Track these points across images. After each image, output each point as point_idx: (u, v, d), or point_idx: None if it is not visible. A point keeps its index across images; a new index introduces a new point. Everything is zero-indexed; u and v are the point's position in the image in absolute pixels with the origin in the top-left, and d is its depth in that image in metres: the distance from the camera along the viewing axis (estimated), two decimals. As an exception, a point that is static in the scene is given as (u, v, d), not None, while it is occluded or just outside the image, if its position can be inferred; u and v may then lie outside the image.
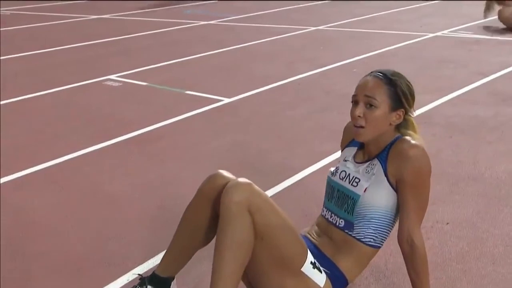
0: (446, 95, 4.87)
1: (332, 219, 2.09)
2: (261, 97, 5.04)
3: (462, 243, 2.57)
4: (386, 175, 1.98)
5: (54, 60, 6.95)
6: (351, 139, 2.19)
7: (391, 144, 2.02)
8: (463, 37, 7.51)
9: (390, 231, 2.05)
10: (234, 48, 7.27)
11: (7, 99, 5.16)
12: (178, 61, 6.58)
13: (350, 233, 2.03)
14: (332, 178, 2.15)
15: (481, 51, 6.66)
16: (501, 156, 3.57)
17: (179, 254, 2.09)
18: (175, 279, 2.13)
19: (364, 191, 1.99)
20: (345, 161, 2.14)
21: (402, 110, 2.02)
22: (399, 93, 2.00)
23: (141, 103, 4.98)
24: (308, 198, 3.04)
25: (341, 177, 2.10)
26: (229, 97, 5.00)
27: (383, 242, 2.05)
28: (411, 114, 2.07)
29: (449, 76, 5.55)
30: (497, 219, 2.78)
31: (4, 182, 3.36)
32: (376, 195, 1.98)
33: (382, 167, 1.99)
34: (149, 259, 2.50)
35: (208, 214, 2.00)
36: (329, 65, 6.13)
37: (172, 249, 2.09)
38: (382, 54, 6.68)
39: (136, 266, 2.44)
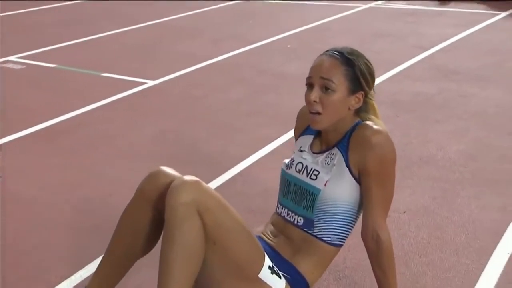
0: (388, 71, 4.92)
1: (290, 217, 2.01)
2: (188, 79, 4.91)
3: (422, 233, 2.58)
4: (348, 165, 1.91)
5: None
6: (306, 127, 2.11)
7: (351, 131, 1.95)
8: (398, 8, 7.65)
9: (353, 227, 2.00)
10: (149, 25, 7.07)
11: None
12: (88, 40, 6.31)
13: (310, 231, 1.96)
14: (287, 171, 2.06)
15: (419, 23, 6.79)
16: (451, 135, 3.63)
17: (116, 265, 1.96)
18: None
19: (325, 184, 1.92)
20: (301, 151, 2.06)
21: (362, 92, 1.94)
22: (358, 74, 1.92)
23: (50, 89, 4.73)
24: (252, 192, 2.97)
25: (297, 170, 2.02)
26: (153, 79, 4.85)
27: (345, 239, 1.99)
28: (371, 97, 2.01)
29: (388, 50, 5.62)
30: (455, 204, 2.82)
31: None
32: (338, 188, 1.92)
33: (343, 157, 1.92)
34: (76, 271, 2.34)
35: (149, 218, 1.90)
36: (260, 41, 6.07)
37: (108, 260, 1.97)
38: (316, 28, 6.69)
39: (62, 281, 2.29)
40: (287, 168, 2.07)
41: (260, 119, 3.96)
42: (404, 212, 2.73)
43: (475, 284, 2.23)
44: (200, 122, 3.95)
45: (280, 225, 2.05)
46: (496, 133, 3.66)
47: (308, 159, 2.01)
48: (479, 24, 6.56)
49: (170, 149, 3.52)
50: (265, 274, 1.84)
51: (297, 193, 2.00)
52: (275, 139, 3.59)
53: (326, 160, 1.96)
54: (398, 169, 2.47)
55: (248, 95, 4.47)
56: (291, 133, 3.67)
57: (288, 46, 5.92)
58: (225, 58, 5.49)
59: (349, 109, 1.94)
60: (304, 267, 1.96)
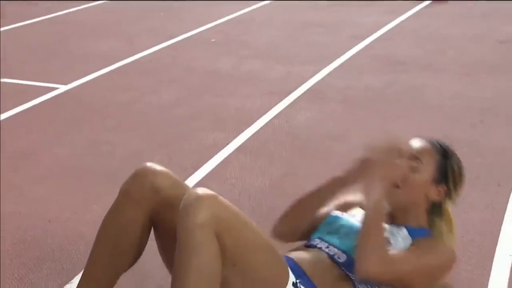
0: (328, 64, 4.98)
1: (329, 250, 2.00)
2: (108, 82, 4.75)
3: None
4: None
5: None
6: None
7: (417, 232, 1.97)
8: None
9: None
10: (45, 19, 6.80)
11: None
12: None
13: (347, 272, 1.94)
14: (342, 216, 2.08)
15: (349, 12, 6.92)
16: (415, 131, 3.63)
17: (99, 281, 1.90)
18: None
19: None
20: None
21: (445, 187, 1.98)
22: (448, 168, 1.99)
23: None
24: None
25: (352, 217, 2.06)
26: (65, 83, 4.64)
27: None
28: (451, 201, 2.02)
29: (323, 42, 5.69)
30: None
31: None
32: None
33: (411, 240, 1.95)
34: None
35: (136, 222, 1.87)
36: (179, 35, 5.97)
37: (89, 276, 1.91)
38: (237, 20, 6.68)
39: None
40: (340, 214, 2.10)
41: (204, 123, 3.88)
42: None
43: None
44: (135, 130, 3.81)
45: (314, 254, 2.01)
46: (461, 126, 3.77)
47: None
48: (409, 11, 6.79)
49: (106, 163, 3.37)
50: None
51: (348, 234, 1.99)
52: (226, 144, 3.53)
53: (391, 229, 1.97)
54: None
55: (183, 97, 4.38)
56: (242, 138, 3.65)
57: (213, 40, 5.86)
58: (144, 56, 5.35)
59: (426, 197, 1.97)
60: None
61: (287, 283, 1.82)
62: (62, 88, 4.55)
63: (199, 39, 5.93)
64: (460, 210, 2.76)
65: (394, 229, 1.98)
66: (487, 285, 2.30)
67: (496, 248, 2.50)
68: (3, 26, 6.37)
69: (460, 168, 2.03)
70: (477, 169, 3.20)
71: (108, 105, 4.25)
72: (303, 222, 2.11)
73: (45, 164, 3.37)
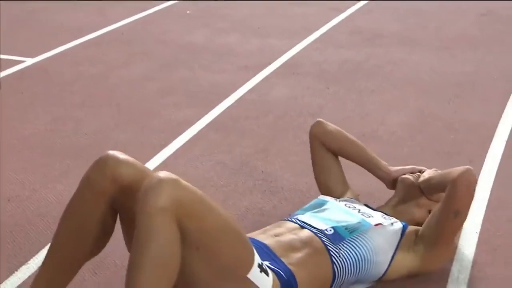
0: (306, 37, 5.01)
1: (315, 224, 2.15)
2: (77, 54, 4.74)
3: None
4: (400, 239, 2.20)
5: None
6: None
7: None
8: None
9: (357, 280, 2.15)
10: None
11: None
12: None
13: (329, 245, 2.08)
14: (331, 200, 2.33)
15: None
16: (390, 106, 3.76)
17: (61, 269, 1.93)
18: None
19: (376, 225, 2.15)
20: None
21: None
22: None
23: None
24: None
25: (345, 205, 2.29)
26: (31, 56, 4.63)
27: (338, 282, 2.11)
28: None
29: (301, 14, 5.70)
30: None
31: None
32: (382, 238, 2.15)
33: (402, 232, 2.20)
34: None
35: (99, 211, 1.87)
36: (153, 7, 5.94)
37: (51, 263, 1.93)
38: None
39: None
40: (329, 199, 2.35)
41: (175, 98, 3.91)
42: (358, 195, 2.78)
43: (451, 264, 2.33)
44: (103, 106, 3.82)
45: (291, 227, 2.18)
46: (436, 101, 3.83)
47: (364, 209, 2.31)
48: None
49: (72, 140, 3.38)
50: (255, 273, 1.87)
51: (338, 215, 2.23)
52: (196, 122, 3.56)
53: (384, 216, 2.25)
54: None
55: (154, 71, 4.39)
56: (213, 113, 3.69)
57: (188, 12, 5.85)
58: (116, 28, 5.34)
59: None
60: (300, 274, 2.02)
61: (252, 266, 1.85)
62: (29, 61, 4.54)
63: (174, 10, 5.91)
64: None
65: (388, 218, 2.25)
66: (453, 258, 2.37)
67: (465, 226, 2.55)
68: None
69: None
70: (450, 145, 3.29)
71: (77, 79, 4.24)
72: (332, 150, 2.54)
73: (6, 141, 3.36)
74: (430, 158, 3.13)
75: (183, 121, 3.56)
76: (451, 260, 2.35)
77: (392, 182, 2.48)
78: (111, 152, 1.90)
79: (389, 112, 3.68)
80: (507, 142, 3.26)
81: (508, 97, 3.80)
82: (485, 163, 3.06)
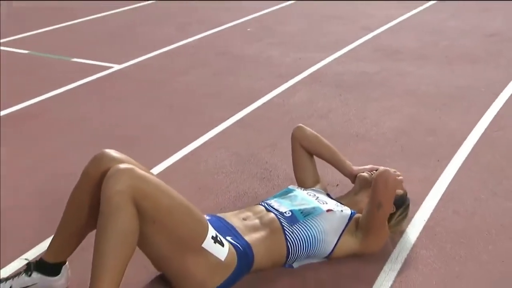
0: (335, 52, 4.96)
1: (278, 207, 2.19)
2: (152, 63, 4.88)
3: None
4: (347, 224, 2.21)
5: None
6: None
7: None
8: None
9: (307, 256, 2.17)
10: (120, 11, 6.92)
11: None
12: (60, 26, 6.18)
13: (285, 225, 2.11)
14: (297, 189, 2.35)
15: (368, 4, 6.80)
16: (386, 112, 3.70)
17: (68, 238, 2.00)
18: (67, 263, 2.06)
19: (327, 211, 2.17)
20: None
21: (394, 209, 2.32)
22: (406, 203, 2.40)
23: (22, 75, 4.64)
24: (201, 170, 3.00)
25: (307, 193, 2.32)
26: (119, 63, 4.81)
27: (293, 258, 2.14)
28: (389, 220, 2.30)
29: (336, 32, 5.65)
30: (383, 177, 2.89)
31: None
32: (329, 223, 2.15)
33: (349, 218, 2.22)
34: (39, 243, 2.35)
35: (95, 197, 1.90)
36: (222, 25, 6.04)
37: (60, 234, 2.00)
38: (274, 13, 6.65)
39: (25, 252, 2.29)
40: (296, 188, 2.39)
41: (217, 101, 3.96)
42: (337, 185, 2.79)
43: (394, 246, 2.31)
44: (159, 105, 3.93)
45: (258, 211, 2.21)
46: (426, 108, 3.74)
47: (323, 197, 2.33)
48: (421, 6, 6.61)
49: (126, 133, 3.48)
50: (209, 244, 1.90)
51: (299, 201, 2.25)
52: (227, 119, 3.62)
53: (337, 204, 2.27)
54: (336, 144, 2.57)
55: (207, 77, 4.46)
56: (242, 113, 3.74)
57: (248, 29, 5.91)
58: (188, 42, 5.46)
59: None
60: (257, 247, 2.05)
61: (205, 237, 1.89)
62: (115, 68, 4.72)
63: (238, 28, 5.97)
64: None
65: (340, 206, 2.27)
66: (397, 241, 2.34)
67: (416, 215, 2.53)
68: (84, 17, 6.57)
69: (406, 213, 2.38)
70: (425, 146, 3.21)
71: (146, 83, 4.38)
72: (308, 150, 2.54)
73: (83, 131, 3.53)
74: (405, 156, 3.09)
75: (218, 119, 3.61)
76: (394, 243, 2.33)
77: (353, 178, 2.47)
78: (107, 150, 1.93)
79: (384, 117, 3.62)
80: (473, 148, 3.15)
81: (487, 108, 3.66)
82: (449, 163, 2.98)
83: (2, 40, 5.61)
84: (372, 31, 5.62)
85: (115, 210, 1.71)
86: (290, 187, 2.40)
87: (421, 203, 2.62)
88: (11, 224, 2.53)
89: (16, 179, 2.94)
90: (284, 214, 2.16)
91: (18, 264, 2.22)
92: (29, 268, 2.02)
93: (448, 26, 5.74)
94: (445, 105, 3.76)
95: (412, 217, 2.50)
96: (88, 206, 1.92)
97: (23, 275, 2.01)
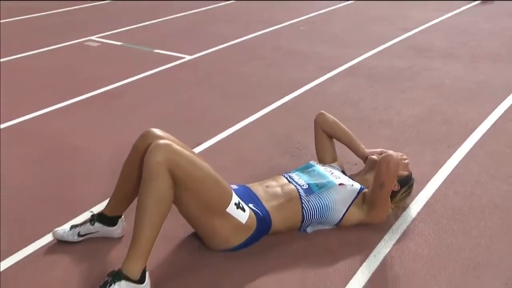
0: (372, 49, 4.83)
1: (298, 180, 2.19)
2: (218, 55, 4.91)
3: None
4: (356, 197, 2.17)
5: (42, 24, 6.66)
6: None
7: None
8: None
9: (320, 222, 2.16)
10: (198, 11, 6.98)
11: None
12: (149, 24, 6.32)
13: (303, 195, 2.11)
14: (317, 165, 2.33)
15: (410, 8, 6.56)
16: (409, 103, 3.58)
17: (121, 198, 2.08)
18: (123, 216, 2.13)
19: (339, 184, 2.14)
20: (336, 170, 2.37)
21: (398, 188, 2.27)
22: (410, 183, 2.33)
23: (114, 61, 4.80)
24: (243, 146, 3.01)
25: (324, 169, 2.28)
26: (190, 54, 4.88)
27: (307, 223, 2.13)
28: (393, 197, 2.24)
29: (377, 32, 5.49)
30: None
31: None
32: (340, 194, 2.13)
33: (358, 191, 2.18)
34: (105, 200, 2.41)
35: (140, 167, 1.93)
36: (280, 24, 5.99)
37: (115, 194, 2.09)
38: (327, 14, 6.54)
39: (94, 205, 2.39)
40: (316, 164, 2.35)
41: (266, 89, 3.95)
42: (355, 164, 2.74)
43: (397, 219, 2.26)
44: (217, 91, 3.96)
45: (281, 182, 2.20)
46: (446, 101, 3.59)
47: (337, 172, 2.30)
48: (456, 10, 6.30)
49: (187, 113, 3.52)
50: (232, 209, 1.92)
51: (316, 176, 2.22)
52: (272, 103, 3.61)
53: (349, 180, 2.23)
54: (362, 128, 2.53)
55: (260, 68, 4.44)
56: (285, 99, 3.72)
57: (301, 28, 5.84)
58: (249, 38, 5.46)
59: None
60: (275, 213, 2.06)
61: (229, 203, 1.91)
62: (187, 58, 4.79)
63: (292, 27, 5.91)
64: (413, 163, 2.74)
65: (351, 181, 2.23)
66: (400, 215, 2.29)
67: (420, 193, 2.46)
68: (168, 16, 6.68)
69: (410, 191, 2.31)
70: (439, 133, 3.10)
71: (210, 72, 4.40)
72: (328, 133, 2.49)
73: (151, 111, 3.58)
74: (420, 142, 2.99)
75: (263, 104, 3.60)
76: (397, 216, 2.28)
77: (365, 159, 2.42)
78: (152, 129, 1.97)
79: (407, 106, 3.51)
80: (482, 136, 3.01)
81: (501, 102, 3.47)
82: (458, 150, 2.87)
83: (102, 34, 5.82)
84: (409, 31, 5.42)
85: (154, 177, 1.75)
86: (311, 162, 2.39)
87: (427, 183, 2.54)
88: (85, 184, 2.65)
89: (96, 147, 3.05)
90: (302, 186, 2.16)
91: (87, 215, 2.33)
92: (93, 219, 2.12)
93: (479, 28, 5.46)
94: (464, 98, 3.60)
95: (416, 194, 2.44)
96: (135, 174, 1.98)
97: (88, 224, 2.12)
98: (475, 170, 2.65)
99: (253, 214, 2.00)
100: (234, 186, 2.12)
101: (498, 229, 2.17)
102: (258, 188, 2.17)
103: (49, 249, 2.10)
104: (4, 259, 2.05)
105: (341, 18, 6.26)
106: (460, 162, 2.73)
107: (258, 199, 2.09)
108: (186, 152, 1.84)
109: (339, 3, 7.00)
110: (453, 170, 2.65)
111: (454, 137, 3.02)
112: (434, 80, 4.00)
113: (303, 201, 2.10)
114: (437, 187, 2.50)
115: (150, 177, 1.76)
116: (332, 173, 2.26)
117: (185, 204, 1.88)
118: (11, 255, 2.07)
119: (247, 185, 2.21)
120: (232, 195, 1.94)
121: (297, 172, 2.30)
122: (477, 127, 3.12)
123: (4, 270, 1.99)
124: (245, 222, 1.96)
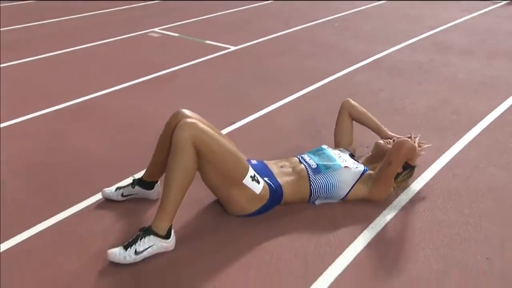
0: (397, 45, 4.66)
1: (308, 161, 2.17)
2: (260, 46, 4.87)
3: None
4: (361, 175, 2.13)
5: (111, 18, 6.81)
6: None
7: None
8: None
9: (326, 197, 2.13)
10: (248, 8, 6.91)
11: (71, 47, 5.09)
12: (203, 18, 6.31)
13: (311, 173, 2.10)
14: (327, 148, 2.29)
15: (438, 8, 6.26)
16: (425, 93, 3.46)
17: (156, 166, 2.13)
18: (158, 182, 2.19)
19: (345, 167, 2.11)
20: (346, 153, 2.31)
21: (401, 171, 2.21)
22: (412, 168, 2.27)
23: (170, 50, 4.85)
24: (270, 127, 2.99)
25: (334, 152, 2.24)
26: (235, 45, 4.87)
27: (315, 198, 2.12)
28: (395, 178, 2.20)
29: (403, 30, 5.28)
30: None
31: (44, 113, 3.22)
32: (346, 175, 2.11)
33: (363, 171, 2.15)
34: (145, 167, 2.44)
35: (171, 141, 1.95)
36: (317, 20, 5.87)
37: (151, 163, 2.14)
38: (361, 12, 6.34)
39: (137, 172, 2.41)
40: (327, 148, 2.30)
41: (297, 77, 3.90)
42: (367, 147, 2.68)
43: (397, 196, 2.20)
44: (255, 77, 3.93)
45: (293, 162, 2.20)
46: (459, 93, 3.44)
47: (346, 156, 2.25)
48: (481, 10, 5.96)
49: (226, 96, 3.51)
50: (248, 181, 1.94)
51: (325, 158, 2.19)
52: (299, 91, 3.57)
53: (354, 162, 2.19)
54: (378, 116, 2.46)
55: (296, 59, 4.38)
56: (313, 87, 3.66)
57: (336, 24, 5.70)
58: (289, 32, 5.38)
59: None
60: (286, 187, 2.07)
61: (245, 176, 1.93)
62: (232, 48, 4.78)
63: (328, 23, 5.77)
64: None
65: (357, 163, 2.19)
66: (400, 193, 2.24)
67: (422, 174, 2.40)
68: (220, 12, 6.67)
69: (411, 173, 2.25)
70: (448, 122, 2.98)
71: (251, 61, 4.36)
72: (354, 117, 2.44)
73: (197, 93, 3.59)
74: (428, 128, 2.89)
75: (294, 90, 3.55)
76: (397, 194, 2.23)
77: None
78: (183, 109, 2.00)
79: (422, 97, 3.39)
80: (486, 127, 2.88)
81: (510, 96, 3.29)
82: (462, 138, 2.76)
83: (163, 26, 5.89)
84: (434, 29, 5.18)
85: (180, 150, 1.79)
86: (323, 146, 2.36)
87: (429, 166, 2.47)
88: (131, 153, 2.69)
89: (144, 122, 3.08)
90: (312, 166, 2.14)
91: (129, 180, 2.39)
92: (134, 182, 2.19)
93: (500, 28, 5.15)
94: (475, 91, 3.43)
95: (418, 176, 2.38)
96: (167, 146, 2.00)
97: (130, 186, 2.20)
98: (475, 156, 2.54)
99: (267, 186, 2.01)
100: (254, 161, 2.13)
101: (489, 210, 2.09)
102: (273, 166, 2.17)
103: (98, 205, 2.19)
104: (66, 209, 2.16)
105: (373, 16, 6.06)
106: (463, 148, 2.63)
107: (273, 174, 2.10)
108: (210, 130, 1.87)
109: (373, 2, 6.77)
110: (455, 156, 2.56)
111: (460, 127, 2.90)
112: (450, 74, 3.83)
113: (311, 179, 2.10)
114: (437, 170, 2.43)
115: (177, 150, 1.80)
116: (340, 156, 2.23)
117: (208, 175, 1.91)
118: (71, 206, 2.18)
119: (265, 161, 2.21)
120: (248, 168, 1.95)
121: (308, 154, 2.27)
122: (483, 118, 2.99)
123: (66, 218, 2.10)
124: (259, 193, 1.98)
